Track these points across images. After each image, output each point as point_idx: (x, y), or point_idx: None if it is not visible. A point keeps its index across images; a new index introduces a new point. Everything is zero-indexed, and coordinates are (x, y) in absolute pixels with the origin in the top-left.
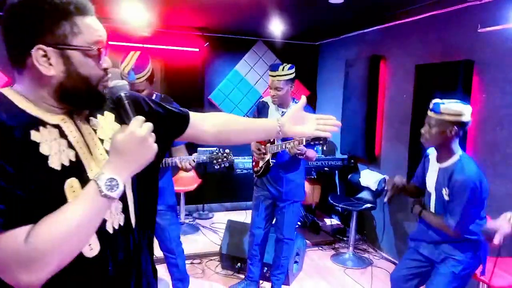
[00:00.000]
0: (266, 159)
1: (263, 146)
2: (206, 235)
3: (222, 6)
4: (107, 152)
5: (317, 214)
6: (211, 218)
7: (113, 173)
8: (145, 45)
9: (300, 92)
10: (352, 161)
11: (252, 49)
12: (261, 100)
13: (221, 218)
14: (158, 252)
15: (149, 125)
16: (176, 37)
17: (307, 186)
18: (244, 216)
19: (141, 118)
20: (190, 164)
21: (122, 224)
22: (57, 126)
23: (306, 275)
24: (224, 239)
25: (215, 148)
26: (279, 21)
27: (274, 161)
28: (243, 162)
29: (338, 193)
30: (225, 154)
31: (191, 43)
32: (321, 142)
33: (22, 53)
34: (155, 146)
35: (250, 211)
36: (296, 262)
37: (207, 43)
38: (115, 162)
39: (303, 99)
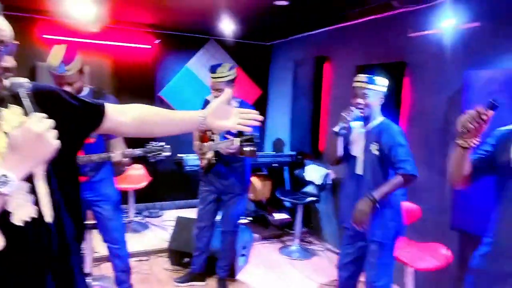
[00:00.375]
0: (209, 156)
1: (205, 144)
2: (155, 232)
3: (173, 3)
4: None
5: (268, 209)
6: (161, 216)
7: (6, 169)
8: (94, 41)
9: (252, 90)
10: (300, 157)
11: (204, 47)
12: (205, 97)
13: (172, 215)
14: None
15: (49, 121)
16: (126, 33)
17: (258, 182)
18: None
19: (39, 114)
20: (123, 159)
21: (36, 216)
22: None
23: (253, 267)
24: (172, 235)
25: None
26: (229, 20)
27: (216, 158)
28: (193, 159)
29: (287, 188)
30: (159, 147)
31: (142, 40)
32: (252, 142)
33: None
34: (55, 142)
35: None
36: (243, 255)
37: (159, 40)
38: (10, 158)
39: (227, 93)
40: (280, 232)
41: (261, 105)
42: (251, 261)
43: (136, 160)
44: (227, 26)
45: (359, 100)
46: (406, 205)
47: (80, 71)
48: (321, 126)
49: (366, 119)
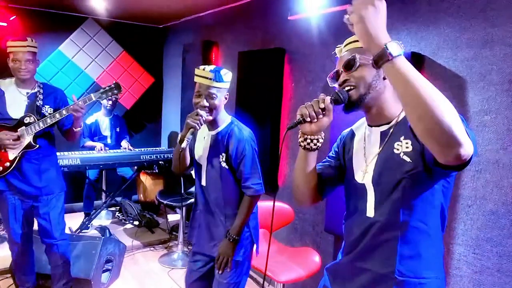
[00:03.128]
0: (26, 143)
1: (14, 134)
2: None
3: None
4: None
5: (161, 211)
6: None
7: None
8: None
9: (143, 78)
10: None
11: (81, 27)
12: None
13: None
14: None
15: None
16: None
17: (148, 181)
18: (77, 221)
19: None
20: None
21: None
22: None
23: (122, 283)
24: None
25: None
26: None
27: (38, 145)
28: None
29: (182, 188)
30: None
31: None
32: (114, 92)
33: None
34: None
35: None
36: (106, 270)
37: (14, 16)
38: None
39: None
40: (168, 236)
41: (155, 95)
42: (122, 275)
43: None
44: (109, 4)
45: (205, 103)
46: (281, 206)
47: None
48: None
49: (213, 121)
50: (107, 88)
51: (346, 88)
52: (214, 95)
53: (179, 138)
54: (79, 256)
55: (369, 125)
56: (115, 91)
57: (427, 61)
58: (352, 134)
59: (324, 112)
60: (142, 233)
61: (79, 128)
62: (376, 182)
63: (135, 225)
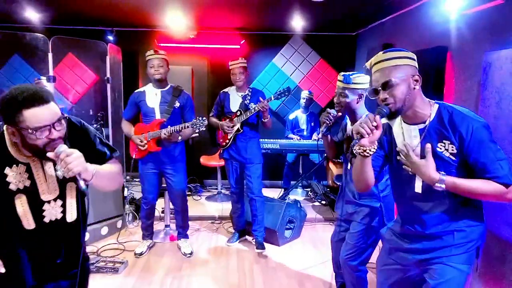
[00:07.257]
0: (236, 129)
1: (230, 124)
2: None
3: (256, 6)
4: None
5: None
6: None
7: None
8: (194, 45)
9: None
10: None
11: (288, 43)
12: (221, 91)
13: None
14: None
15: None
16: (218, 36)
17: (334, 168)
18: (278, 193)
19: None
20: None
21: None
22: (26, 164)
23: (300, 242)
24: None
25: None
26: (310, 15)
27: (242, 130)
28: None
29: None
30: (202, 121)
31: (232, 41)
32: (286, 94)
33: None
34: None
35: (281, 189)
36: (289, 228)
37: (243, 41)
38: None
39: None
40: None
41: None
42: (302, 236)
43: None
44: (308, 21)
45: (335, 100)
46: None
47: (167, 64)
48: None
49: (350, 116)
50: (280, 91)
51: (387, 104)
52: (343, 94)
53: (323, 132)
54: (270, 212)
55: (406, 123)
56: (285, 93)
57: None
58: (388, 126)
59: (376, 127)
60: (326, 210)
61: (265, 120)
62: None
63: (321, 203)
